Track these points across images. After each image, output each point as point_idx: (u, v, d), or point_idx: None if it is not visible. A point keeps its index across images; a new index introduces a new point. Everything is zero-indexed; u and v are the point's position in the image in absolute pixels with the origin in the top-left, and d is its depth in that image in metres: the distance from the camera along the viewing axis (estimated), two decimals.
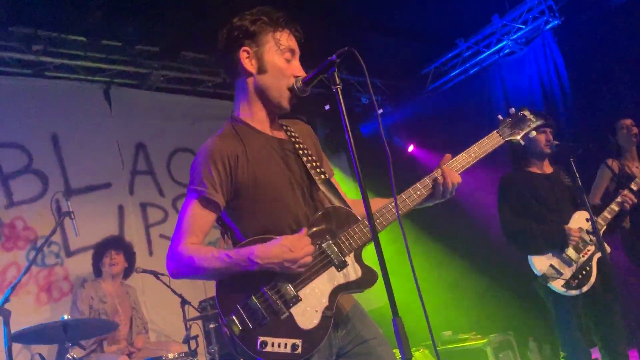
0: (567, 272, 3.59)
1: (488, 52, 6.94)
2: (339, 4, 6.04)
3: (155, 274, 4.92)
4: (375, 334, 2.16)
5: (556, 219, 3.70)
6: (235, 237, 2.13)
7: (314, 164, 2.21)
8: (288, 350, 1.94)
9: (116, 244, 5.03)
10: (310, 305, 1.99)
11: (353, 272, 2.05)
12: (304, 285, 2.00)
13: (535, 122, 2.47)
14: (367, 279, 2.05)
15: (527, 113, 2.46)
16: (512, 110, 2.48)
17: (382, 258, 1.89)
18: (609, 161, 4.51)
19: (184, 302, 4.87)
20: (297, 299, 1.97)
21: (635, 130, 4.63)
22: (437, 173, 2.20)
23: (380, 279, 2.04)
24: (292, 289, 1.98)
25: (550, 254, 3.66)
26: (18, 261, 5.06)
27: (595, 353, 3.70)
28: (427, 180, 2.20)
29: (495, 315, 6.25)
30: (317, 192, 2.20)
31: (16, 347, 3.92)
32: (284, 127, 2.27)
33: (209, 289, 5.20)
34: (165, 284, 4.90)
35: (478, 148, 2.35)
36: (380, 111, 7.26)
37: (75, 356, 3.78)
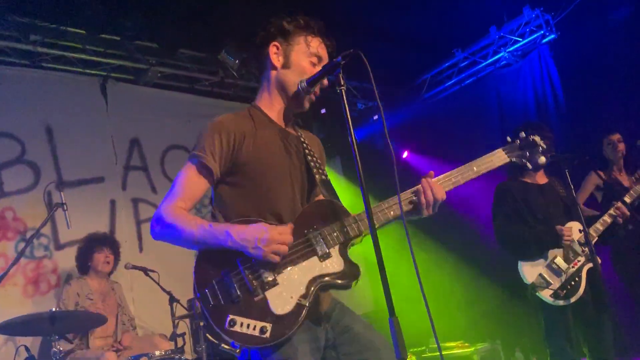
0: (556, 282, 3.62)
1: (484, 63, 6.99)
2: (338, 9, 6.06)
3: (145, 271, 4.89)
4: (359, 321, 2.17)
5: (548, 228, 3.73)
6: (224, 218, 2.13)
7: (316, 163, 2.26)
8: (256, 332, 1.90)
9: (110, 242, 4.99)
10: (286, 291, 1.96)
11: (335, 264, 2.03)
12: (283, 269, 1.98)
13: (544, 149, 2.43)
14: (348, 273, 2.03)
15: (537, 139, 2.43)
16: (522, 134, 2.46)
17: (380, 255, 1.89)
18: (598, 171, 4.61)
19: (172, 299, 4.84)
20: (274, 282, 1.95)
21: (621, 146, 4.72)
22: (419, 186, 2.19)
23: (370, 280, 2.05)
24: (271, 271, 1.96)
25: (540, 264, 3.69)
26: (6, 252, 5.00)
27: None
28: (408, 193, 2.19)
29: (483, 325, 6.28)
30: (314, 189, 2.25)
31: (0, 338, 3.87)
32: (297, 129, 2.35)
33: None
34: (154, 280, 4.87)
35: (483, 163, 2.35)
36: (375, 117, 7.29)
37: (61, 349, 3.73)
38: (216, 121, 2.13)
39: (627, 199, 3.90)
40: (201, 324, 4.62)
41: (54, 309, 3.78)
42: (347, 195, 7.53)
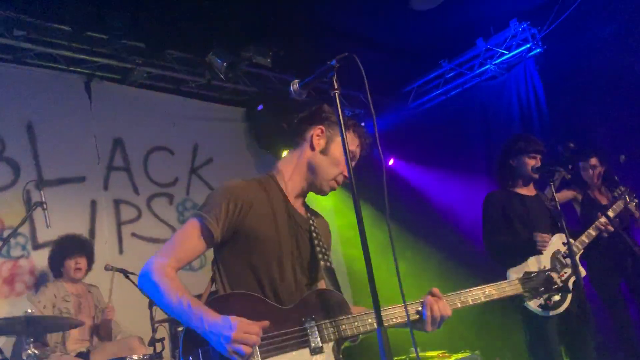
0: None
1: (470, 75, 7.05)
2: (327, 17, 6.08)
3: (125, 273, 4.81)
4: None
5: (565, 285, 3.76)
6: (222, 283, 2.14)
7: (322, 249, 2.26)
8: None
9: (80, 248, 4.83)
10: None
11: None
12: (271, 355, 1.93)
13: (559, 286, 2.46)
14: None
15: (555, 276, 2.47)
16: (542, 269, 2.51)
17: (370, 266, 1.90)
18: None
19: (152, 303, 4.76)
20: None
21: (599, 169, 4.81)
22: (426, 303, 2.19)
23: (352, 288, 2.05)
24: (259, 355, 1.90)
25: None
26: None
27: None
28: (416, 305, 2.21)
29: (463, 334, 6.29)
30: (318, 274, 2.24)
31: None
32: (307, 210, 2.37)
33: None
34: (134, 283, 4.78)
35: (495, 290, 2.34)
36: (362, 124, 7.29)
37: (36, 352, 3.64)
38: (227, 186, 2.15)
39: (611, 214, 3.96)
40: (179, 329, 4.56)
41: (29, 311, 3.69)
42: (332, 201, 7.53)
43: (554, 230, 3.78)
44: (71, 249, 4.78)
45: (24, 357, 3.56)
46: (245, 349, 1.81)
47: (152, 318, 4.69)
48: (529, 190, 4.03)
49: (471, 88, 7.15)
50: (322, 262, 2.21)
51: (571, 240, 3.79)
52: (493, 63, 6.80)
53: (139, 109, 6.29)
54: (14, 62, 5.39)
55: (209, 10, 5.51)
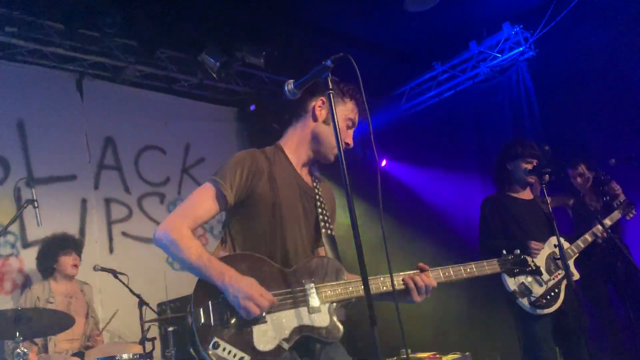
0: (537, 291, 3.73)
1: (463, 77, 7.06)
2: (320, 18, 6.08)
3: (114, 273, 4.78)
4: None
5: (532, 240, 3.83)
6: (232, 245, 2.29)
7: (325, 217, 2.39)
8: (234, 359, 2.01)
9: (75, 245, 4.84)
10: (272, 330, 2.08)
11: (321, 320, 2.15)
12: (275, 311, 2.10)
13: (532, 269, 2.71)
14: (331, 332, 2.16)
15: (529, 259, 2.71)
16: (517, 251, 2.69)
17: (364, 268, 1.91)
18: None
19: (142, 303, 4.74)
20: (263, 320, 2.07)
21: (588, 176, 4.88)
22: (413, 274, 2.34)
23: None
24: (267, 308, 2.06)
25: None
26: None
27: None
28: (401, 275, 2.33)
29: (453, 336, 6.31)
30: (319, 241, 2.37)
31: None
32: (314, 178, 2.49)
33: (170, 291, 5.08)
34: (123, 283, 4.76)
35: (476, 267, 2.51)
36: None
37: (25, 350, 3.60)
38: (240, 155, 2.29)
39: (608, 222, 4.02)
40: (170, 329, 4.54)
41: (20, 308, 3.65)
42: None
43: (549, 233, 3.81)
44: (67, 245, 4.75)
45: (14, 357, 3.51)
46: (255, 309, 2.00)
47: (142, 318, 4.67)
48: (525, 194, 4.07)
49: (464, 90, 7.16)
50: (323, 230, 2.35)
51: (566, 244, 3.85)
52: (486, 66, 6.82)
53: (131, 108, 6.27)
54: (5, 59, 5.36)
55: (202, 9, 5.50)
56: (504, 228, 3.93)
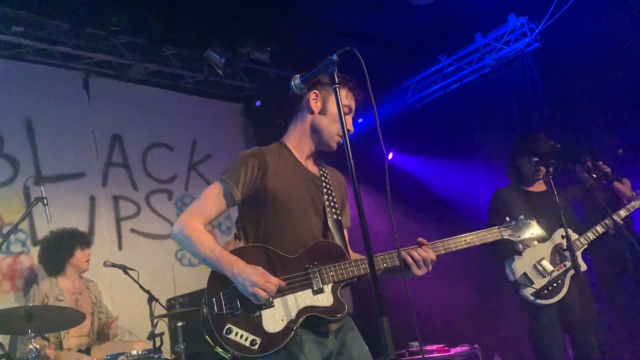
0: (539, 282, 3.78)
1: (469, 70, 7.04)
2: (324, 13, 6.08)
3: (124, 269, 4.82)
4: (361, 351, 2.42)
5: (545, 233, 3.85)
6: (245, 239, 2.45)
7: (332, 203, 2.51)
8: (247, 343, 2.20)
9: (89, 241, 4.90)
10: (279, 313, 2.25)
11: (326, 300, 2.29)
12: (280, 295, 2.25)
13: (538, 234, 2.65)
14: (335, 310, 2.29)
15: (534, 223, 2.66)
16: (522, 216, 2.67)
17: (371, 259, 1.93)
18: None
19: (151, 298, 4.77)
20: (270, 304, 2.24)
21: (594, 170, 4.85)
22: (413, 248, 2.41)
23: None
24: (274, 292, 2.21)
25: (526, 264, 3.85)
26: None
27: None
28: (401, 251, 2.39)
29: (462, 328, 6.31)
30: (325, 226, 2.48)
31: None
32: (320, 167, 2.61)
33: (178, 286, 5.12)
34: (133, 279, 4.80)
35: (476, 237, 2.54)
36: (360, 120, 7.30)
37: (37, 347, 3.64)
38: (245, 154, 2.44)
39: (623, 213, 4.01)
40: (179, 324, 4.57)
41: (30, 305, 3.69)
42: None
43: (559, 225, 3.82)
44: (84, 241, 4.79)
45: (27, 353, 3.55)
46: (262, 294, 2.16)
47: (151, 313, 4.71)
48: (537, 187, 4.11)
49: (470, 83, 7.14)
50: (329, 216, 2.47)
51: (575, 235, 3.85)
52: (492, 58, 6.79)
53: (138, 105, 6.30)
54: (12, 59, 5.39)
55: (207, 6, 5.51)
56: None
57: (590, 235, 3.90)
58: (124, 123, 6.15)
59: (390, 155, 7.55)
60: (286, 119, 2.62)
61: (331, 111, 2.49)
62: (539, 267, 3.81)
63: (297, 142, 2.55)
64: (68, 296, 4.60)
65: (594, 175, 4.78)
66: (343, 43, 2.15)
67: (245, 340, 2.19)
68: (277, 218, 2.38)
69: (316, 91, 2.50)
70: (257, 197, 2.39)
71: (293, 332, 2.22)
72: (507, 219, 2.66)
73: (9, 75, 5.40)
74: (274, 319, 2.23)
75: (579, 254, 3.83)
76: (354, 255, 2.49)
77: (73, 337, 4.52)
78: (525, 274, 3.80)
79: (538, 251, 3.84)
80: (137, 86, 6.29)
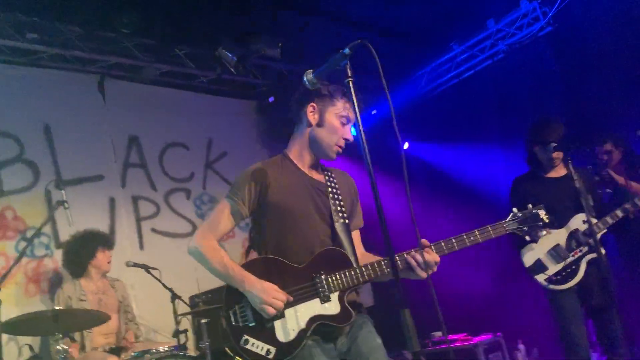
0: (553, 268, 3.81)
1: (482, 57, 6.98)
2: (335, 4, 6.05)
3: (146, 268, 4.87)
4: (373, 350, 2.47)
5: (554, 221, 3.85)
6: (258, 249, 2.61)
7: (339, 207, 2.58)
8: (263, 353, 2.35)
9: (110, 241, 4.97)
10: (290, 324, 2.37)
11: (332, 308, 2.39)
12: (290, 306, 2.38)
13: (546, 222, 2.54)
14: (342, 317, 2.39)
15: (542, 212, 2.54)
16: (530, 206, 2.57)
17: (391, 248, 1.93)
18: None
19: (174, 296, 4.83)
20: (282, 315, 2.37)
21: (615, 153, 4.81)
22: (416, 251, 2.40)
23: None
24: (283, 306, 2.35)
25: (541, 250, 3.86)
26: (7, 251, 4.98)
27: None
28: (403, 254, 2.41)
29: (484, 317, 6.29)
30: (333, 231, 2.55)
31: (4, 337, 3.86)
32: (326, 173, 2.68)
33: (201, 284, 5.17)
34: (156, 278, 4.86)
35: (480, 234, 2.50)
36: (374, 111, 7.29)
37: (66, 347, 3.71)
38: (247, 172, 2.56)
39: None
40: (203, 321, 4.63)
41: (57, 307, 3.76)
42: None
43: (579, 209, 3.80)
44: (105, 242, 4.85)
45: (55, 353, 3.62)
46: (271, 311, 2.32)
47: (175, 311, 4.76)
48: (557, 172, 4.07)
49: (484, 70, 7.08)
50: (335, 222, 2.53)
51: (594, 220, 3.82)
52: (505, 44, 6.72)
53: (152, 106, 6.35)
54: (28, 65, 5.45)
55: (216, 3, 5.53)
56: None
57: (610, 220, 3.85)
58: (139, 124, 6.21)
59: (407, 145, 7.54)
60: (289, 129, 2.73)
61: (329, 122, 2.56)
62: (554, 253, 3.82)
63: (299, 154, 2.64)
64: (91, 297, 4.66)
65: (615, 155, 4.74)
66: (354, 35, 2.14)
67: (262, 350, 2.35)
68: (284, 228, 2.50)
69: (313, 104, 2.57)
70: (263, 210, 2.52)
71: (304, 341, 2.34)
72: (515, 210, 2.56)
73: (26, 81, 5.46)
74: (285, 329, 2.36)
75: (597, 238, 3.80)
76: (366, 256, 2.61)
77: (99, 336, 4.57)
78: (539, 260, 3.83)
79: (553, 237, 3.86)
80: (151, 87, 6.34)
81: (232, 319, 2.41)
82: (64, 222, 4.80)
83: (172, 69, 6.27)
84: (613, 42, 5.71)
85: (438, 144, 7.38)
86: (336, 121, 2.55)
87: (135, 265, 4.86)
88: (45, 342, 4.68)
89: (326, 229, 2.54)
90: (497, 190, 4.22)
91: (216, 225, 2.55)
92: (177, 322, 4.74)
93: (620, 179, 4.52)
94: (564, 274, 3.78)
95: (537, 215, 2.53)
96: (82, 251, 4.75)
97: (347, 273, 2.40)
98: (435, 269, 2.39)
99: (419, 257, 2.37)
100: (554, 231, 3.86)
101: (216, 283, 2.78)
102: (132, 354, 4.16)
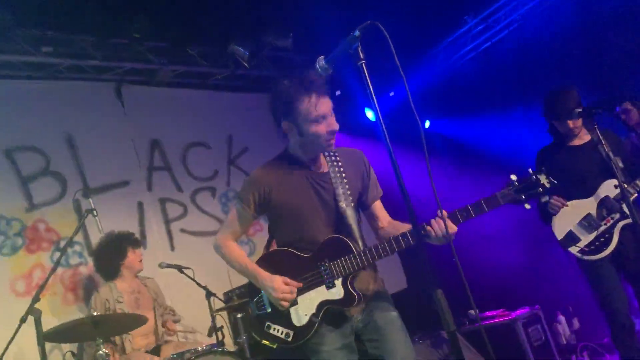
0: (586, 239, 3.75)
1: (498, 27, 6.86)
2: None
3: (179, 268, 4.94)
4: (389, 322, 2.65)
5: (580, 190, 3.78)
6: (276, 243, 2.82)
7: (345, 192, 2.68)
8: (282, 336, 2.65)
9: (137, 240, 5.04)
10: (302, 309, 2.64)
11: (337, 293, 2.60)
12: (302, 293, 2.63)
13: (547, 187, 2.40)
14: (347, 300, 2.59)
15: (542, 177, 2.40)
16: (530, 170, 2.44)
17: (418, 229, 1.91)
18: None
19: (209, 294, 4.88)
20: (295, 302, 2.64)
21: (634, 112, 4.67)
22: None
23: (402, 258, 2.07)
24: (294, 296, 2.61)
25: (571, 221, 3.80)
26: (43, 262, 5.07)
27: None
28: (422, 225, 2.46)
29: (521, 290, 6.22)
30: (340, 218, 2.68)
31: (47, 346, 3.94)
32: (331, 158, 2.76)
33: (233, 280, 5.21)
34: (189, 277, 4.92)
35: (490, 200, 2.44)
36: (392, 93, 7.22)
37: (107, 352, 3.79)
38: (250, 179, 2.79)
39: None
40: (238, 315, 4.67)
41: (95, 314, 3.83)
42: None
43: (607, 175, 3.72)
44: (134, 242, 4.92)
45: (97, 358, 3.70)
46: (283, 304, 2.59)
47: (210, 308, 4.81)
48: (580, 139, 4.00)
49: (500, 41, 6.96)
50: (344, 206, 2.65)
51: (624, 185, 3.73)
52: (519, 13, 6.59)
53: (171, 108, 6.39)
54: (46, 79, 5.52)
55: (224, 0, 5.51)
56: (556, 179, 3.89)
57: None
58: (160, 127, 6.25)
59: (428, 123, 7.47)
60: None
61: (308, 131, 2.59)
62: (585, 223, 3.76)
63: (298, 151, 2.73)
64: (127, 297, 4.73)
65: (635, 114, 4.61)
66: (365, 17, 2.11)
67: (282, 334, 2.64)
68: (291, 223, 2.70)
69: (286, 122, 2.65)
70: (271, 210, 2.74)
71: (316, 324, 2.59)
72: (513, 177, 2.42)
73: (46, 95, 5.53)
74: (298, 315, 2.63)
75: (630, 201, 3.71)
76: (392, 224, 2.78)
77: (138, 337, 4.63)
78: (570, 232, 3.78)
79: (583, 207, 3.78)
80: (167, 89, 6.37)
81: (255, 308, 2.74)
82: (95, 229, 4.89)
83: (186, 69, 6.29)
84: (631, 4, 5.55)
85: (461, 119, 7.29)
86: (313, 127, 2.57)
87: (169, 266, 4.92)
88: (84, 348, 4.77)
89: (332, 218, 2.68)
90: (523, 160, 4.16)
91: (230, 227, 2.84)
92: (213, 319, 4.79)
93: None
94: (597, 243, 3.72)
95: (538, 181, 2.39)
96: (113, 253, 4.81)
97: (347, 259, 2.57)
98: (452, 237, 2.38)
99: (436, 225, 2.41)
100: (583, 201, 3.79)
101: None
102: (172, 355, 4.21)
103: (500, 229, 6.46)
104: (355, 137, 7.54)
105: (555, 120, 3.98)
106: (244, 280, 5.08)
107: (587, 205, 3.80)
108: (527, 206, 2.40)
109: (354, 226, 2.65)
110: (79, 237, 5.31)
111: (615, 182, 3.61)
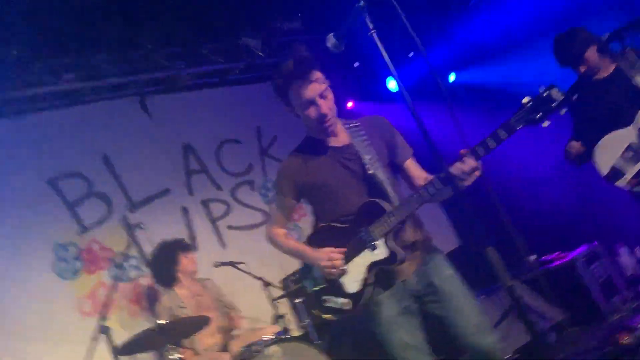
0: (631, 170, 3.63)
1: None
2: None
3: (233, 264, 5.03)
4: (441, 276, 2.69)
5: (617, 120, 3.64)
6: (317, 220, 2.92)
7: (372, 159, 2.71)
8: (341, 306, 2.71)
9: (187, 244, 5.15)
10: (352, 275, 2.71)
11: (381, 253, 2.65)
12: (349, 261, 2.71)
13: (561, 101, 2.27)
14: (392, 258, 2.64)
15: (554, 92, 2.26)
16: (541, 88, 2.30)
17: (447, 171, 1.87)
18: None
19: (266, 284, 4.97)
20: (344, 272, 2.71)
21: None
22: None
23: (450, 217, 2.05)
24: (343, 263, 2.69)
25: (613, 154, 3.67)
26: (103, 280, 5.26)
27: None
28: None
29: (576, 230, 6.07)
30: (371, 184, 2.71)
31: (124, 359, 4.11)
32: (353, 129, 2.81)
33: (285, 267, 5.27)
34: (244, 271, 5.01)
35: (504, 130, 2.38)
36: (411, 54, 7.08)
37: (180, 356, 3.91)
38: (279, 168, 2.97)
39: None
40: (297, 300, 4.74)
41: (160, 322, 3.95)
42: None
43: (635, 108, 3.57)
44: (183, 246, 5.02)
45: None
46: (334, 272, 2.68)
47: (270, 297, 4.90)
48: (606, 70, 3.80)
49: None
50: (373, 171, 2.68)
51: None
52: None
53: (196, 111, 6.44)
54: (72, 105, 5.65)
55: None
56: (590, 118, 3.77)
57: None
58: (189, 131, 6.32)
59: (453, 76, 7.32)
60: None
61: (303, 117, 2.77)
62: (627, 154, 3.61)
63: (315, 134, 2.85)
64: (188, 301, 4.82)
65: None
66: None
67: (339, 304, 2.71)
68: (327, 202, 2.80)
69: (287, 108, 2.84)
70: (305, 193, 2.87)
71: (370, 287, 2.65)
72: (524, 100, 2.31)
73: (76, 120, 5.65)
74: (350, 282, 2.70)
75: None
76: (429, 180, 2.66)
77: (206, 337, 4.71)
78: (614, 167, 3.64)
79: (623, 138, 3.63)
80: (189, 93, 6.42)
81: (310, 285, 2.84)
82: (146, 241, 5.03)
83: (203, 69, 6.31)
84: None
85: (487, 66, 7.07)
86: (305, 112, 2.71)
87: (223, 264, 5.02)
88: (163, 355, 4.92)
89: (363, 186, 2.73)
90: None
91: (274, 217, 3.06)
92: (275, 308, 4.88)
93: None
94: None
95: (550, 97, 2.26)
96: (166, 262, 4.92)
97: (382, 219, 2.63)
98: (478, 173, 2.42)
99: (460, 166, 2.39)
100: (621, 131, 3.64)
101: (298, 262, 2.96)
102: (242, 348, 4.30)
103: (543, 172, 6.31)
104: (382, 104, 7.47)
105: (567, 64, 3.82)
106: (295, 266, 5.16)
107: (627, 135, 3.64)
108: (545, 124, 2.28)
109: (388, 188, 2.69)
110: (132, 251, 5.46)
111: None
